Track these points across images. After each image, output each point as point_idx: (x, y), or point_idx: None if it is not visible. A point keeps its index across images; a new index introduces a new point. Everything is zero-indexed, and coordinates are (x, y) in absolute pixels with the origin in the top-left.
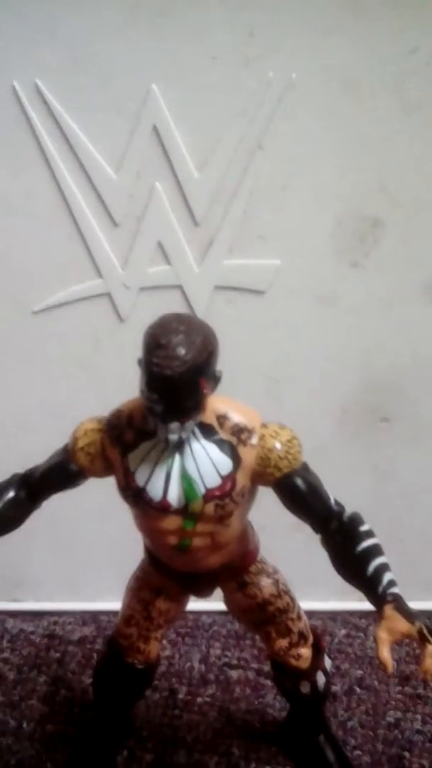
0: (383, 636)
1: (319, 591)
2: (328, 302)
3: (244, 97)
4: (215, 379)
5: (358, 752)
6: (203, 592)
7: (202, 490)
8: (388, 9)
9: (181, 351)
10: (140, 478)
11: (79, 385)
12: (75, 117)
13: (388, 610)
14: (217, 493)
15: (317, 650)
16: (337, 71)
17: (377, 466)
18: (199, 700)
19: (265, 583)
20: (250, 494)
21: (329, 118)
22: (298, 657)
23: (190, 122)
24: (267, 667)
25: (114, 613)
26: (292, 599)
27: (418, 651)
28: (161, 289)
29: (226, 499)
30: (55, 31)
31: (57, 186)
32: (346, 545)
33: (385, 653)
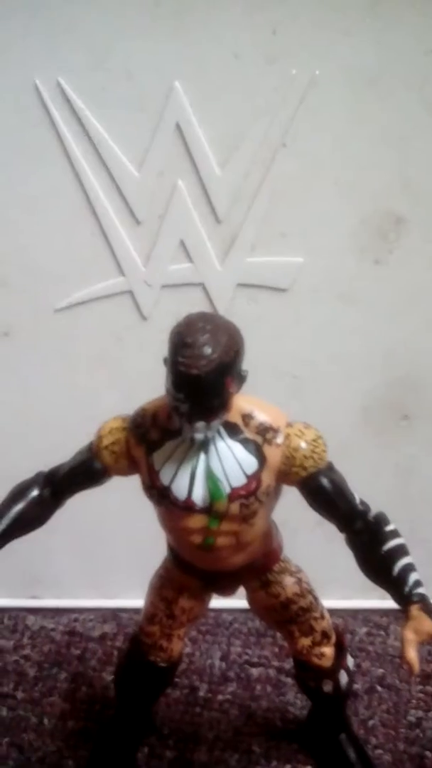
0: (409, 636)
1: (339, 589)
2: (350, 300)
3: (267, 95)
4: (241, 378)
5: (380, 751)
6: (226, 590)
7: (228, 490)
8: (409, 8)
9: (208, 350)
10: (165, 477)
11: (101, 383)
12: (97, 115)
13: (415, 610)
14: (243, 492)
15: (340, 649)
16: (359, 69)
17: (399, 464)
18: (220, 697)
19: (289, 582)
20: (275, 493)
21: (352, 116)
22: (321, 656)
23: (213, 120)
24: (288, 665)
25: (135, 610)
26: (315, 598)
27: None
28: (183, 286)
29: (251, 498)
30: (78, 29)
31: (79, 184)
32: (372, 545)
33: (412, 654)
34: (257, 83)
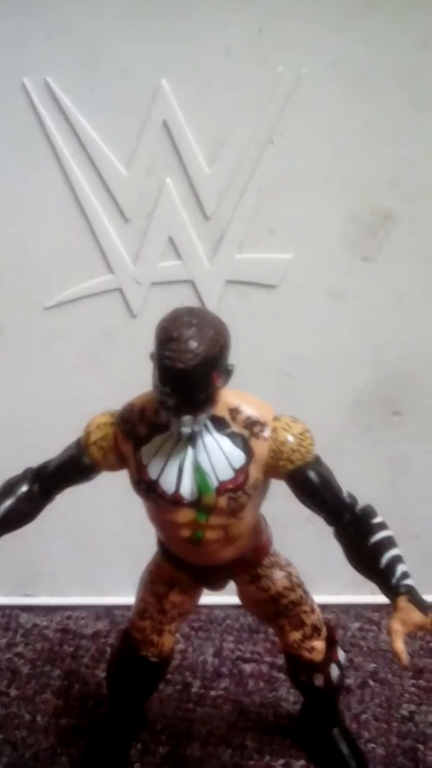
0: (397, 627)
1: (331, 584)
2: (339, 296)
3: (255, 92)
4: (227, 373)
5: (372, 745)
6: (216, 584)
7: (215, 483)
8: (398, 4)
9: (193, 344)
10: (153, 472)
11: (90, 381)
12: (85, 114)
13: (402, 601)
14: (230, 486)
15: (330, 643)
16: (347, 66)
17: (390, 459)
18: (213, 693)
19: (278, 576)
20: (263, 487)
21: (339, 113)
22: (312, 650)
23: (201, 117)
24: (280, 661)
25: (128, 607)
26: (305, 592)
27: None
28: (172, 284)
29: (239, 491)
30: (65, 28)
31: (68, 183)
32: (359, 537)
33: (400, 644)
34: (244, 81)
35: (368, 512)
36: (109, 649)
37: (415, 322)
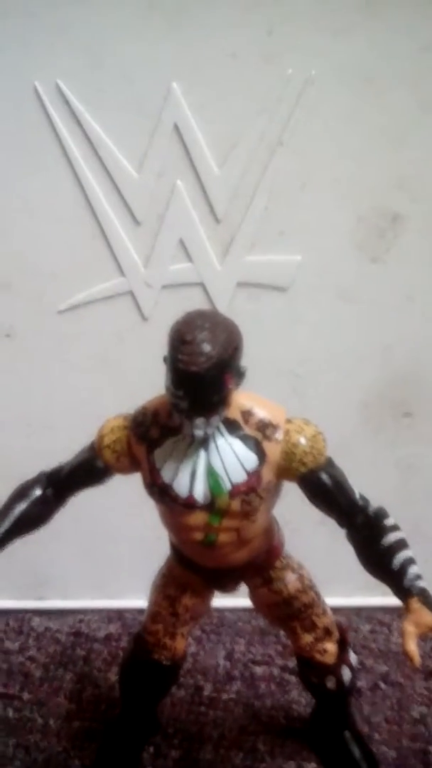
0: (409, 629)
1: (343, 586)
2: (349, 297)
3: (264, 95)
4: (240, 375)
5: (384, 747)
6: (228, 587)
7: (228, 486)
8: (403, 6)
9: (206, 347)
10: (166, 475)
11: (102, 383)
12: (96, 117)
13: (415, 603)
14: (243, 488)
15: (342, 645)
16: (355, 68)
17: (400, 460)
18: (225, 696)
19: (291, 579)
20: (276, 489)
21: (348, 115)
22: (324, 652)
23: (211, 120)
24: (292, 664)
25: (139, 610)
26: (318, 594)
27: None
28: (183, 286)
29: (252, 494)
30: (76, 32)
31: (79, 186)
32: (372, 539)
33: (412, 646)
34: (254, 83)
35: (381, 514)
36: (121, 653)
37: (424, 322)
